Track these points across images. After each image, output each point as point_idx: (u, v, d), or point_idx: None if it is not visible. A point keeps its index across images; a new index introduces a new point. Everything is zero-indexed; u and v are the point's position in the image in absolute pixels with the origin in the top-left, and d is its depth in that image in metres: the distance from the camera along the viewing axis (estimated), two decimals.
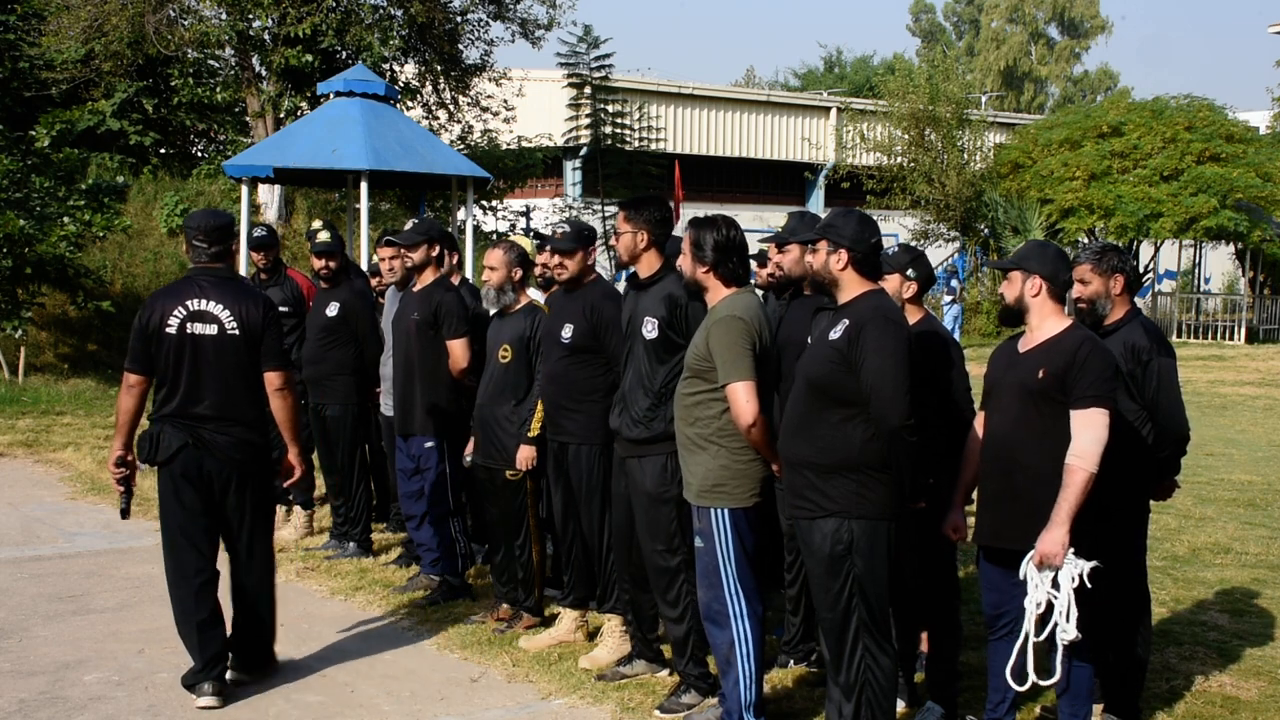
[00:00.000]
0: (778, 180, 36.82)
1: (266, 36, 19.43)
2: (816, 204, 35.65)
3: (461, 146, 22.46)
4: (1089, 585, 4.06)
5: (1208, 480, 10.41)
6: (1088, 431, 4.08)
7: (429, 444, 6.41)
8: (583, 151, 27.59)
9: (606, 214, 25.04)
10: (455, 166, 13.43)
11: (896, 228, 30.74)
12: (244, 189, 13.30)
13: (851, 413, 4.12)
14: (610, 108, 26.28)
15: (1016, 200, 28.25)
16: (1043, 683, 4.25)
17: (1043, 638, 4.16)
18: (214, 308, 5.06)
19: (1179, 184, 26.81)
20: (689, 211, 9.24)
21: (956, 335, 22.58)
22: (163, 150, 21.91)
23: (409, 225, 6.57)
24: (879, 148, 30.40)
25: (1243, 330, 30.32)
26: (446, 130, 23.00)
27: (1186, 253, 36.50)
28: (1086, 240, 26.43)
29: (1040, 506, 4.13)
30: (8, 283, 14.23)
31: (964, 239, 30.54)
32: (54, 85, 19.15)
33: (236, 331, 5.07)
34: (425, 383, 6.38)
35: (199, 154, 23.39)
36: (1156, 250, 31.30)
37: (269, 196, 19.64)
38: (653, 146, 26.94)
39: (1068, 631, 4.09)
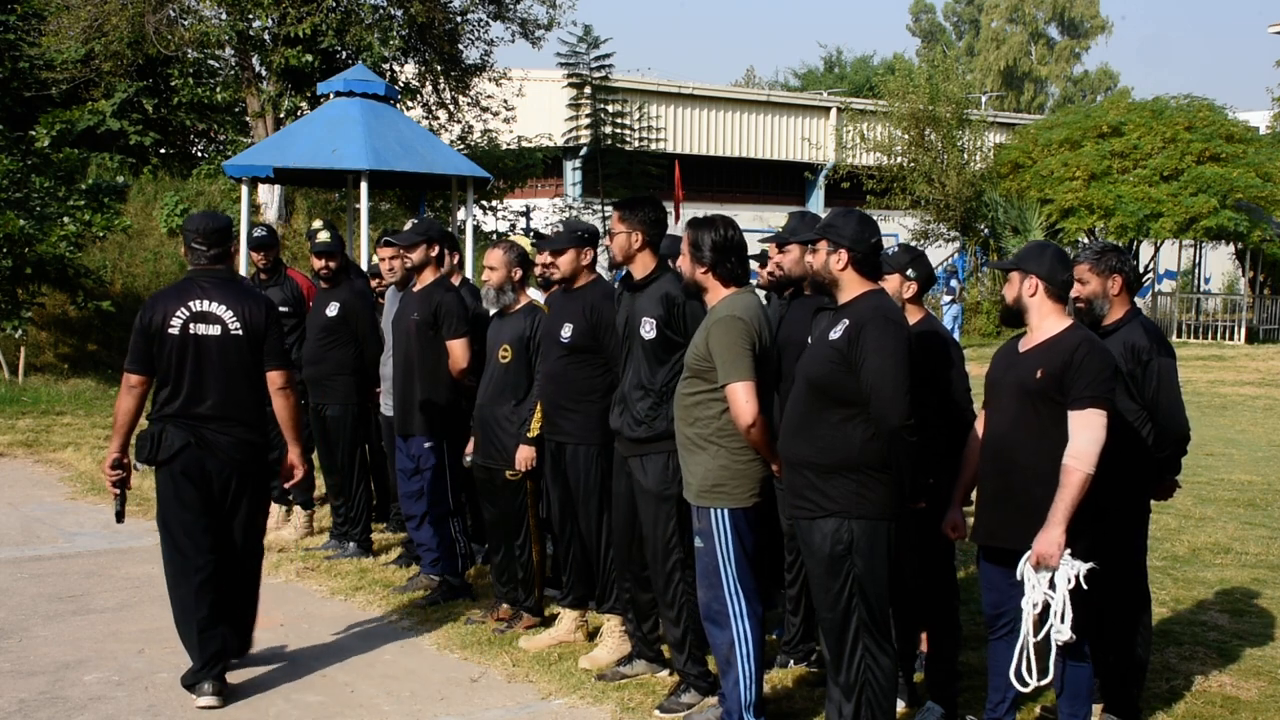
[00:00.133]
0: (778, 180, 36.79)
1: (266, 36, 19.41)
2: (816, 204, 35.63)
3: (461, 146, 22.45)
4: (1085, 587, 4.07)
5: (1208, 480, 10.41)
6: (1085, 432, 4.08)
7: (429, 444, 6.41)
8: (583, 151, 27.60)
9: (606, 214, 25.03)
10: (455, 166, 13.42)
11: (896, 228, 30.72)
12: (244, 189, 13.28)
13: (851, 413, 4.12)
14: (610, 108, 26.29)
15: (1016, 200, 28.23)
16: (1043, 683, 4.25)
17: (1040, 638, 4.17)
18: (217, 308, 5.07)
19: (1179, 184, 26.80)
20: (689, 212, 9.23)
21: (956, 335, 22.57)
22: (163, 150, 21.90)
23: (408, 225, 6.58)
24: (879, 148, 30.38)
25: (1243, 330, 30.31)
26: (446, 130, 22.99)
27: (1186, 253, 36.48)
28: (1086, 240, 26.41)
29: (1038, 507, 4.13)
30: (8, 283, 14.24)
31: (964, 239, 30.52)
32: (54, 85, 19.15)
33: (239, 332, 5.08)
34: (425, 383, 6.38)
35: (199, 154, 23.37)
36: (1156, 250, 31.28)
37: (269, 196, 19.63)
38: (653, 146, 26.96)
39: (1062, 632, 4.10)
